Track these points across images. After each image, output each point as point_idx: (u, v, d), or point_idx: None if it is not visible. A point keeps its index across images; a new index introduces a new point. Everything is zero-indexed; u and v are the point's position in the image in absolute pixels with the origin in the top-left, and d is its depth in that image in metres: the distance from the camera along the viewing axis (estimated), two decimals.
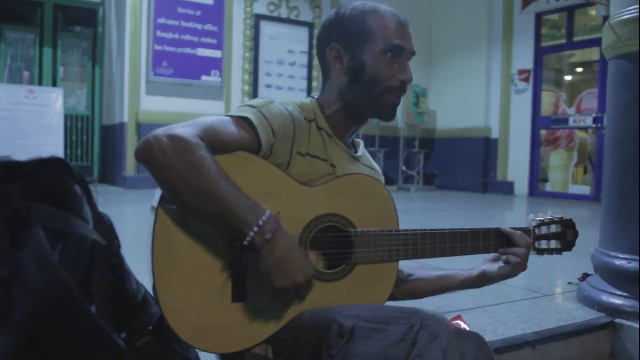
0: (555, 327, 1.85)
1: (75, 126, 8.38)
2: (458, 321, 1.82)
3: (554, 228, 1.37)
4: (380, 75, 1.21)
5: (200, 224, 1.05)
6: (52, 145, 7.28)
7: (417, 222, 4.69)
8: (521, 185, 8.44)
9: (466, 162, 9.10)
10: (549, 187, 8.28)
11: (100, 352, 0.75)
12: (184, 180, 0.98)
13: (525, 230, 1.33)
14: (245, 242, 1.00)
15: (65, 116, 7.79)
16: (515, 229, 1.32)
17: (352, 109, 1.26)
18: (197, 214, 1.02)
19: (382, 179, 1.39)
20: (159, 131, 1.01)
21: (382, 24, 1.21)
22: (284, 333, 1.13)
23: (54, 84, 8.20)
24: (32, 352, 0.71)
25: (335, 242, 1.18)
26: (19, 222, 0.78)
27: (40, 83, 8.03)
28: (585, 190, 7.82)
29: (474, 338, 1.20)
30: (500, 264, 1.31)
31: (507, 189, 8.58)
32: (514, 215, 6.51)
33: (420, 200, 7.43)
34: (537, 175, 8.37)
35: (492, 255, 1.34)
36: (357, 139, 1.38)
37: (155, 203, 1.06)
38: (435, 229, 1.25)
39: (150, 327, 1.04)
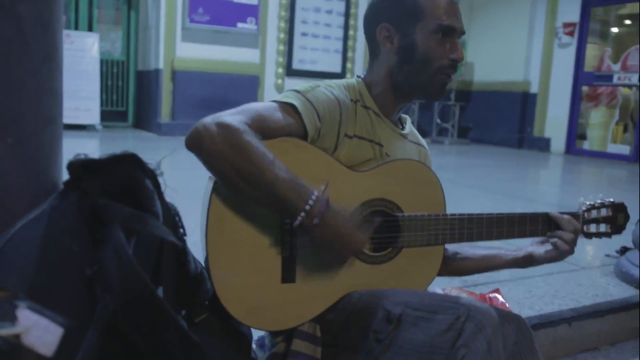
0: (592, 304, 1.88)
1: (110, 71, 8.38)
2: (496, 294, 1.85)
3: (604, 212, 1.35)
4: (432, 55, 1.20)
5: (252, 207, 1.09)
6: (89, 91, 7.37)
7: (450, 180, 4.68)
8: (558, 142, 8.27)
9: (503, 117, 8.92)
10: (586, 145, 8.10)
11: (175, 345, 0.80)
12: (234, 166, 1.01)
13: (574, 215, 1.33)
14: (296, 224, 1.04)
15: (101, 61, 7.82)
16: (563, 213, 1.32)
17: (401, 88, 1.26)
18: (249, 196, 1.06)
19: (428, 154, 1.41)
20: (208, 119, 1.04)
21: (433, 3, 1.20)
22: (333, 314, 1.18)
23: (90, 28, 8.21)
24: (115, 344, 0.77)
25: (383, 226, 1.21)
26: (97, 218, 0.83)
27: (76, 27, 8.05)
28: (625, 150, 7.63)
29: (515, 320, 1.23)
30: (547, 246, 1.31)
31: (543, 145, 8.43)
32: (550, 175, 6.43)
33: (454, 154, 7.37)
34: (575, 132, 8.18)
35: (540, 237, 1.35)
36: (404, 115, 1.39)
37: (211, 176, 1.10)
38: (481, 214, 1.26)
39: (207, 302, 1.11)
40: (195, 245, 1.09)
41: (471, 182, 4.89)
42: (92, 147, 6.11)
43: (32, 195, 0.84)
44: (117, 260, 0.76)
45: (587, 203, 1.36)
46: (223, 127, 1.02)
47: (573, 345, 1.77)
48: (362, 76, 1.31)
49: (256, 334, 1.26)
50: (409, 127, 1.37)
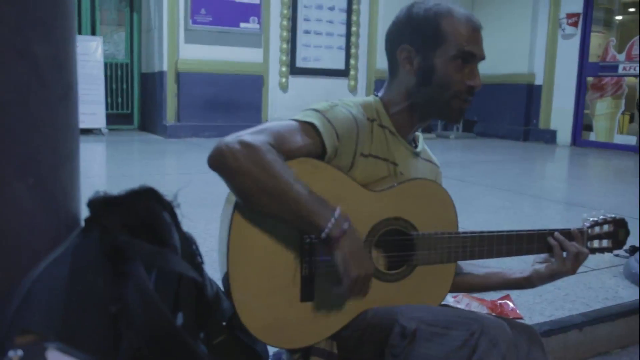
0: (602, 307, 1.89)
1: (115, 74, 8.37)
2: (506, 301, 1.87)
3: (606, 228, 1.39)
4: (450, 80, 1.22)
5: (273, 227, 1.11)
6: (94, 95, 7.41)
7: (457, 178, 4.69)
8: (564, 134, 8.25)
9: (508, 109, 8.89)
10: (592, 137, 8.07)
11: None
12: (258, 184, 1.03)
13: (579, 231, 1.35)
14: (323, 235, 1.05)
15: (105, 64, 7.84)
16: (569, 230, 1.34)
17: (418, 109, 1.28)
18: (272, 214, 1.08)
19: (440, 172, 1.43)
20: (230, 139, 1.06)
21: (455, 30, 1.21)
22: (349, 330, 1.20)
23: (93, 31, 8.21)
24: None
25: (398, 245, 1.24)
26: (118, 254, 0.85)
27: (79, 31, 8.07)
28: (632, 140, 7.59)
29: (527, 332, 1.26)
30: (547, 267, 1.33)
31: (549, 137, 8.40)
32: (557, 169, 6.42)
33: (460, 149, 7.36)
34: (581, 123, 8.16)
35: (542, 256, 1.37)
36: (417, 133, 1.41)
37: (231, 195, 1.13)
38: (492, 232, 1.29)
39: (224, 323, 1.13)
40: (207, 255, 1.11)
41: (478, 179, 4.89)
42: (99, 152, 6.15)
43: (54, 232, 0.86)
44: (140, 297, 0.78)
45: (591, 219, 1.40)
46: (245, 145, 1.04)
47: (584, 350, 1.79)
48: (380, 95, 1.32)
49: (272, 350, 1.29)
50: (422, 145, 1.39)
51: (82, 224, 0.88)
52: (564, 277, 1.32)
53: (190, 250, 0.99)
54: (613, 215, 1.41)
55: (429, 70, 1.23)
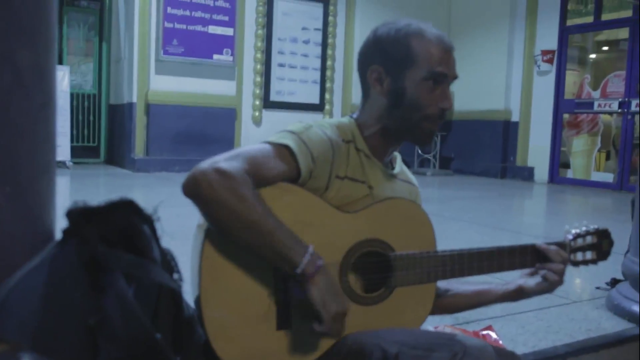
0: (585, 338, 1.87)
1: (81, 105, 8.07)
2: (489, 332, 1.84)
3: (589, 239, 1.37)
4: (420, 102, 1.20)
5: (245, 254, 1.07)
6: (59, 126, 7.21)
7: (435, 213, 4.69)
8: (541, 171, 8.31)
9: (484, 146, 8.94)
10: (570, 174, 8.13)
11: None
12: (233, 214, 1.00)
13: (561, 244, 1.34)
14: (298, 271, 1.02)
15: (72, 95, 7.54)
16: (550, 243, 1.33)
17: (391, 131, 1.26)
18: (245, 245, 1.05)
19: (419, 192, 1.41)
20: (205, 165, 1.02)
21: (426, 50, 1.19)
22: (328, 357, 1.16)
23: (60, 61, 7.86)
24: None
25: (375, 266, 1.21)
26: (97, 265, 0.81)
27: None
28: (608, 177, 7.67)
29: (510, 357, 1.23)
30: (537, 278, 1.32)
31: (526, 174, 8.49)
32: (535, 205, 6.48)
33: (437, 186, 7.39)
34: (558, 160, 8.22)
35: (528, 269, 1.35)
36: (395, 153, 1.38)
37: (202, 222, 1.09)
38: (472, 249, 1.26)
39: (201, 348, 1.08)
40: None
41: (456, 214, 4.90)
42: (63, 185, 5.91)
43: (30, 243, 0.83)
44: (120, 309, 0.74)
45: (573, 231, 1.37)
46: (221, 173, 1.01)
47: None
48: (355, 116, 1.30)
49: None
50: (399, 166, 1.36)
51: (58, 236, 0.85)
52: (554, 289, 1.31)
53: (169, 265, 0.96)
54: (596, 226, 1.38)
55: (399, 92, 1.21)
